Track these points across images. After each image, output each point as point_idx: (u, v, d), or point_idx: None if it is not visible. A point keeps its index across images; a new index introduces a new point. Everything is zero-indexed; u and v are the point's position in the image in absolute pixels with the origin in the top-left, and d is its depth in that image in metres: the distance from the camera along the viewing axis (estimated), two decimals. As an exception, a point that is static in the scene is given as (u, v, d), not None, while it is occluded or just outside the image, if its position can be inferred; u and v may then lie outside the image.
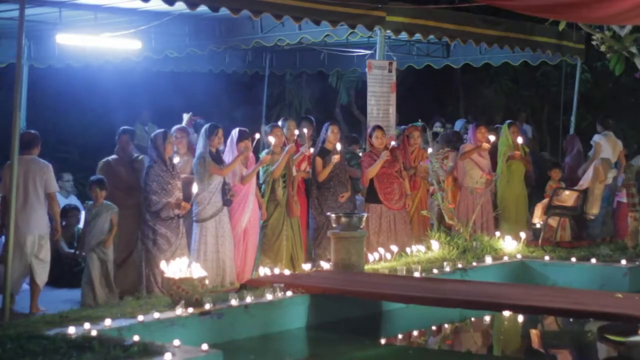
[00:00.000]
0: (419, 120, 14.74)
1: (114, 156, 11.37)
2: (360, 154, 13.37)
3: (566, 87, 18.74)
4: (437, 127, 17.88)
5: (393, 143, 12.92)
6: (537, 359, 9.92)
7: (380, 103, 13.36)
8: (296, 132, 12.52)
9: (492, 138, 13.82)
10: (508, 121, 14.69)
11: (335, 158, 12.08)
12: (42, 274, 10.38)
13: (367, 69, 13.38)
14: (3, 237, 10.12)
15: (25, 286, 10.96)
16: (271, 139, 11.69)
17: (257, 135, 11.43)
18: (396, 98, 13.56)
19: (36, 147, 10.52)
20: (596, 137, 14.95)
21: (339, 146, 12.24)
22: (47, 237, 10.36)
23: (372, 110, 13.31)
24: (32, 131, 10.80)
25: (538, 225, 13.86)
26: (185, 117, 12.33)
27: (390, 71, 13.44)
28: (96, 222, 10.53)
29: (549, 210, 13.61)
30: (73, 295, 10.46)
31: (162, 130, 10.94)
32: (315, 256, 12.08)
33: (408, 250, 12.33)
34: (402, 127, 13.92)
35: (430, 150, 13.03)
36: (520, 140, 14.17)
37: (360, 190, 12.98)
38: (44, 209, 10.32)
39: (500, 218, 14.06)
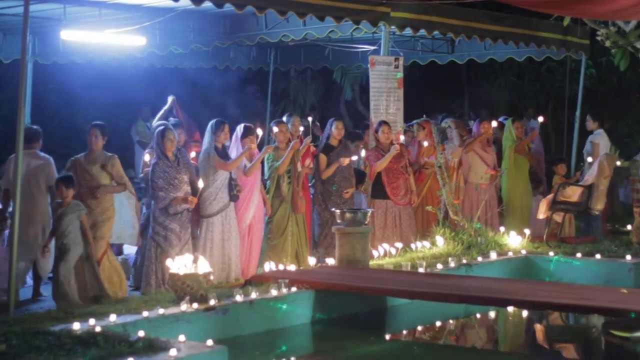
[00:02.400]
0: (424, 115, 14.74)
1: (84, 153, 10.49)
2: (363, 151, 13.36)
3: (571, 83, 18.69)
4: (446, 123, 17.85)
5: (402, 138, 12.93)
6: (541, 354, 9.91)
7: (385, 99, 13.35)
8: (301, 128, 12.50)
9: (493, 124, 13.85)
10: (503, 117, 14.68)
11: (345, 161, 12.11)
12: (45, 265, 10.76)
13: (369, 65, 13.38)
14: (7, 231, 10.25)
15: (29, 280, 11.03)
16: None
17: (260, 131, 11.42)
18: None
19: (37, 142, 11.02)
20: (593, 137, 14.96)
21: (354, 158, 12.33)
22: (50, 228, 10.51)
23: (376, 106, 13.29)
24: (34, 127, 11.16)
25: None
26: (170, 99, 12.26)
27: (396, 67, 13.44)
28: (60, 223, 9.74)
29: (553, 206, 13.59)
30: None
31: (161, 127, 10.93)
32: (320, 252, 12.08)
33: (413, 246, 12.33)
34: (410, 123, 13.93)
35: (425, 143, 13.08)
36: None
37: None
38: (46, 201, 10.71)
39: (504, 214, 14.06)
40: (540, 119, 15.98)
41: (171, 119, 12.09)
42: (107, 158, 10.41)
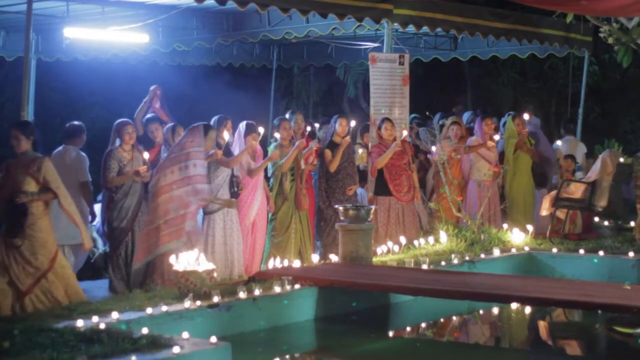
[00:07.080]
0: (427, 112, 14.73)
1: (14, 158, 9.07)
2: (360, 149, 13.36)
3: (574, 80, 18.71)
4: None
5: (405, 133, 12.95)
6: (545, 351, 9.91)
7: (388, 96, 13.34)
8: (308, 128, 12.49)
9: (497, 137, 13.86)
10: (509, 113, 14.66)
11: (346, 140, 12.12)
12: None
13: (369, 62, 13.37)
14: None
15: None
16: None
17: (262, 129, 11.43)
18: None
19: (78, 137, 11.56)
20: (556, 145, 14.97)
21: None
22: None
23: (377, 104, 13.28)
24: (76, 122, 11.59)
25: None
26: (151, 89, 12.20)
27: (402, 64, 13.44)
28: None
29: (557, 203, 13.59)
30: (85, 287, 10.42)
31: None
32: (324, 249, 12.09)
33: (416, 242, 12.34)
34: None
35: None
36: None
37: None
38: (76, 197, 10.74)
39: (508, 210, 14.06)
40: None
41: (149, 115, 12.03)
42: (33, 160, 8.87)
